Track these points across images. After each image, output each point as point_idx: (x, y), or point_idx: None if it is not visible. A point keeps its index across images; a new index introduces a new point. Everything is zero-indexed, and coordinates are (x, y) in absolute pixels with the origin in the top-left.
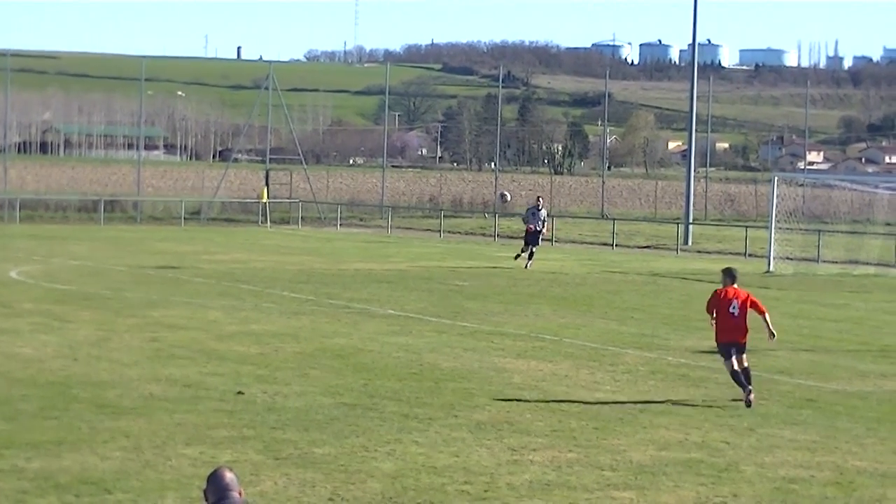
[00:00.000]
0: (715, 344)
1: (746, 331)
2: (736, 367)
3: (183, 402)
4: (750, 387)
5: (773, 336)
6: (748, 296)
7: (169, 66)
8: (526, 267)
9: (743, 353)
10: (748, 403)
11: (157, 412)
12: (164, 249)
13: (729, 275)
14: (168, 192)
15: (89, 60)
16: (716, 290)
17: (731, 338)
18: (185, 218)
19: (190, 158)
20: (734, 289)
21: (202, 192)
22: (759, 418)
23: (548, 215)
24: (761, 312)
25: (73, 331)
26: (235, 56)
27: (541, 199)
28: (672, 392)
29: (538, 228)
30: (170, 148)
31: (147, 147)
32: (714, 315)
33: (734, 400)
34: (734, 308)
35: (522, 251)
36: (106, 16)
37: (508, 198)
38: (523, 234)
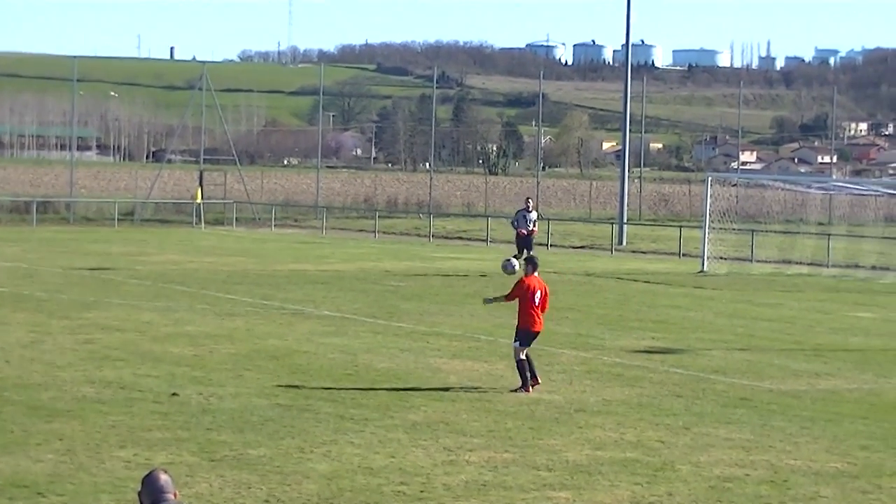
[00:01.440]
0: (522, 332)
1: (542, 320)
2: (523, 356)
3: (117, 404)
4: (535, 377)
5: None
6: (546, 289)
7: (101, 66)
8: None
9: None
10: (525, 389)
11: (91, 414)
12: (97, 251)
13: (531, 263)
14: (101, 193)
15: (20, 60)
16: (521, 279)
17: (534, 327)
18: (118, 219)
19: (123, 159)
20: (537, 278)
21: (136, 193)
22: (694, 417)
23: (539, 217)
24: (544, 310)
25: (5, 333)
26: (168, 56)
27: (530, 200)
28: (607, 392)
29: (529, 231)
30: (103, 149)
31: (80, 148)
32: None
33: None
34: (538, 298)
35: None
36: (37, 15)
37: (515, 268)
38: (514, 240)
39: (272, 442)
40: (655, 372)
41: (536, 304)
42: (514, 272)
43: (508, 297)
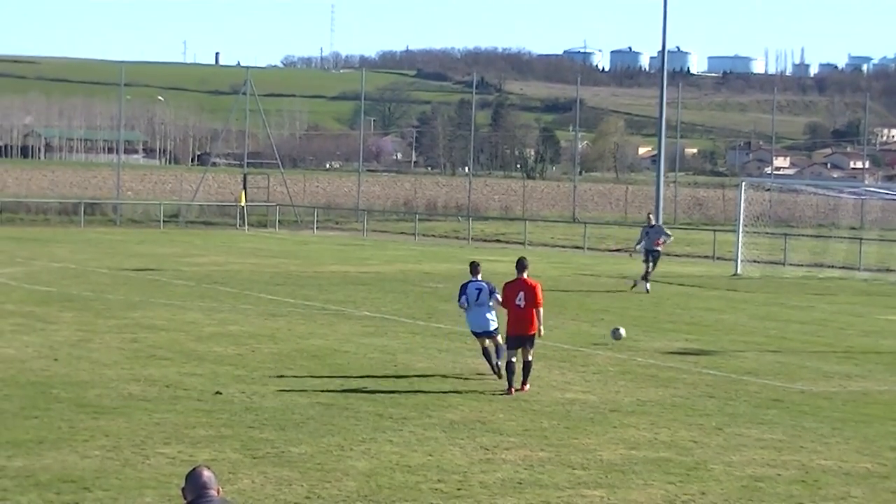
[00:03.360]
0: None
1: (533, 322)
2: (515, 359)
3: (162, 402)
4: (520, 381)
5: (540, 334)
6: (536, 286)
7: (148, 71)
8: (632, 286)
9: (530, 346)
10: (508, 392)
11: (137, 412)
12: (143, 252)
13: (519, 265)
14: (147, 196)
15: (69, 65)
16: (505, 283)
17: (520, 330)
18: (163, 221)
19: (169, 162)
20: (523, 279)
21: (181, 196)
22: (727, 418)
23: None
24: (537, 306)
25: (54, 332)
26: (214, 61)
27: (651, 215)
28: (641, 392)
29: (660, 241)
30: (149, 152)
31: (126, 151)
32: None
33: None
34: (520, 300)
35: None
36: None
37: (622, 335)
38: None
39: (313, 440)
40: (689, 373)
41: (521, 305)
42: (620, 338)
43: (502, 305)
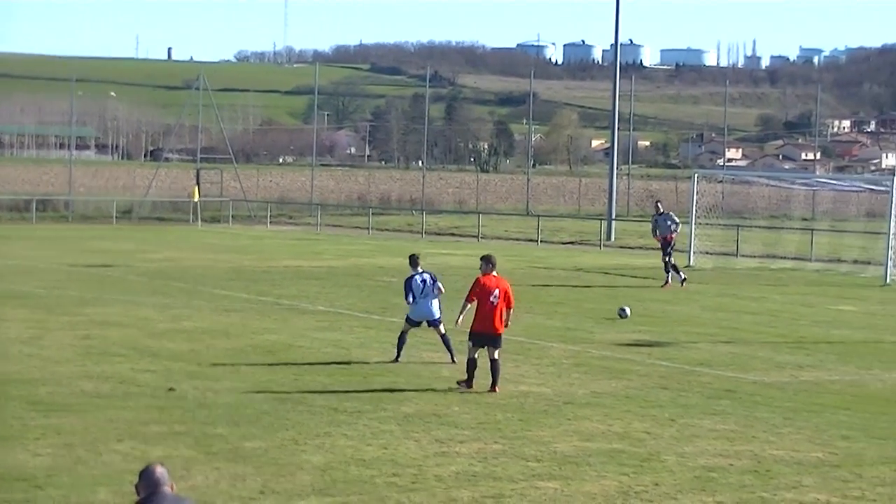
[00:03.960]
0: (466, 334)
1: (501, 321)
2: (476, 355)
3: (115, 399)
4: (496, 384)
5: (505, 327)
6: (508, 287)
7: (100, 67)
8: (682, 284)
9: (498, 346)
10: (468, 386)
11: (89, 409)
12: (96, 248)
13: (488, 262)
14: (100, 192)
15: (20, 61)
16: (477, 278)
17: (488, 328)
18: (116, 217)
19: (121, 158)
20: (495, 277)
21: (134, 192)
22: (680, 409)
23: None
24: (509, 307)
25: (5, 329)
26: (166, 56)
27: (659, 203)
28: (595, 384)
29: (670, 234)
30: (101, 148)
31: (78, 147)
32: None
33: (460, 390)
34: (495, 298)
35: (667, 270)
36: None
37: (628, 313)
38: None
39: (267, 434)
40: (642, 364)
41: (494, 303)
42: (626, 316)
43: (468, 299)
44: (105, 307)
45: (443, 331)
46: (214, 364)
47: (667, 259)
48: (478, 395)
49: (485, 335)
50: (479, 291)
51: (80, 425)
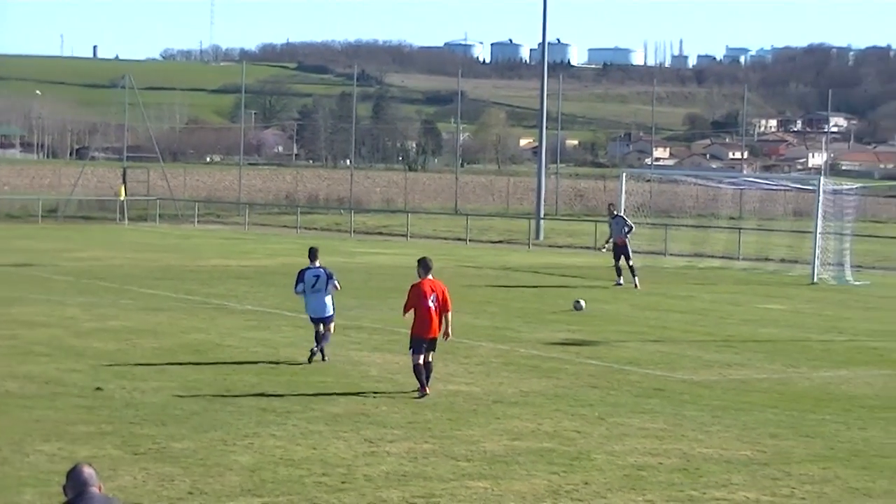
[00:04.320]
0: (407, 338)
1: (440, 325)
2: (421, 361)
3: (41, 399)
4: (427, 384)
5: (448, 337)
6: (444, 289)
7: (24, 65)
8: (615, 284)
9: (433, 349)
10: (422, 396)
11: (15, 409)
12: (21, 247)
13: (423, 266)
14: (25, 191)
15: None
16: (413, 284)
17: (428, 332)
18: (42, 216)
19: (47, 157)
20: (431, 280)
21: (59, 191)
22: (609, 407)
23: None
24: (447, 310)
25: None
26: (91, 55)
27: (612, 205)
28: (524, 383)
29: (624, 238)
30: (26, 146)
31: (3, 145)
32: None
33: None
34: (433, 301)
35: (618, 273)
36: None
37: (582, 305)
38: (611, 251)
39: (195, 435)
40: (571, 363)
41: (431, 307)
42: (581, 309)
43: (405, 309)
44: (30, 307)
45: (331, 330)
46: (142, 363)
47: (629, 263)
48: (406, 395)
49: (423, 340)
50: (413, 299)
51: (5, 425)
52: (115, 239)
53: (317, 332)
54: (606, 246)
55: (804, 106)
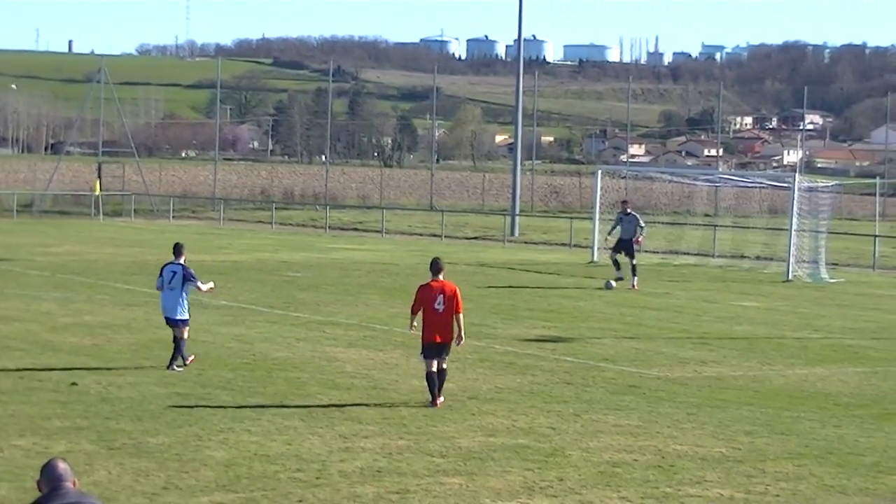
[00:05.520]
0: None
1: (452, 329)
2: (434, 368)
3: (16, 394)
4: (440, 393)
5: (461, 341)
6: (455, 291)
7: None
8: (605, 287)
9: (446, 353)
10: (432, 406)
11: None
12: None
13: (434, 266)
14: (0, 185)
15: None
16: (420, 286)
17: (436, 336)
18: (17, 210)
19: (22, 151)
20: (441, 282)
21: (34, 185)
22: (584, 404)
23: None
24: (457, 311)
25: None
26: (67, 49)
27: (625, 203)
28: (499, 379)
29: (640, 238)
30: (1, 141)
31: None
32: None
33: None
34: (439, 304)
35: (616, 266)
36: None
37: (613, 285)
38: (611, 248)
39: (170, 430)
40: (546, 360)
41: (439, 310)
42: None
43: (413, 310)
44: (5, 302)
45: (184, 336)
46: (117, 359)
47: (633, 262)
48: (381, 390)
49: (437, 345)
50: (420, 300)
51: None
52: (91, 234)
53: (175, 339)
54: (609, 238)
55: (779, 103)
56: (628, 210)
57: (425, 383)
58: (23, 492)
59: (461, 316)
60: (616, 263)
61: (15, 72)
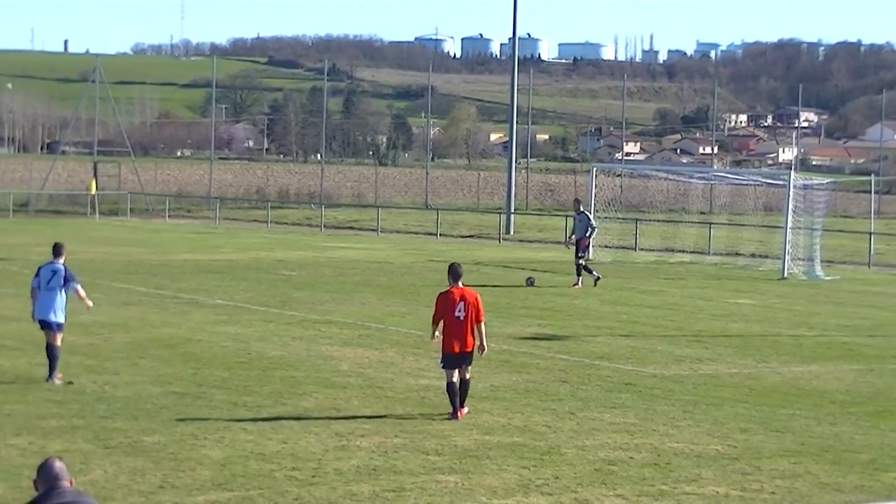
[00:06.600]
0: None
1: (472, 338)
2: (455, 379)
3: (12, 393)
4: (464, 404)
5: (483, 351)
6: (477, 298)
7: None
8: (595, 284)
9: (467, 364)
10: (452, 418)
11: None
12: None
13: (452, 273)
14: None
15: None
16: (440, 293)
17: (456, 346)
18: (13, 210)
19: (17, 151)
20: (461, 288)
21: (30, 185)
22: (580, 402)
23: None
24: (478, 321)
25: None
26: (62, 49)
27: (578, 201)
28: (495, 377)
29: (587, 240)
30: None
31: None
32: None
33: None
34: (460, 312)
35: (578, 273)
36: None
37: (535, 281)
38: (574, 250)
39: (166, 429)
40: (542, 358)
41: (460, 318)
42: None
43: (434, 320)
44: (1, 301)
45: (57, 342)
46: (113, 358)
47: (578, 261)
48: (377, 388)
49: (458, 355)
50: (440, 309)
51: None
52: (86, 233)
53: (48, 345)
54: (570, 240)
55: (774, 101)
56: (580, 209)
57: (420, 381)
58: (19, 491)
59: (482, 325)
60: (585, 268)
61: (10, 71)
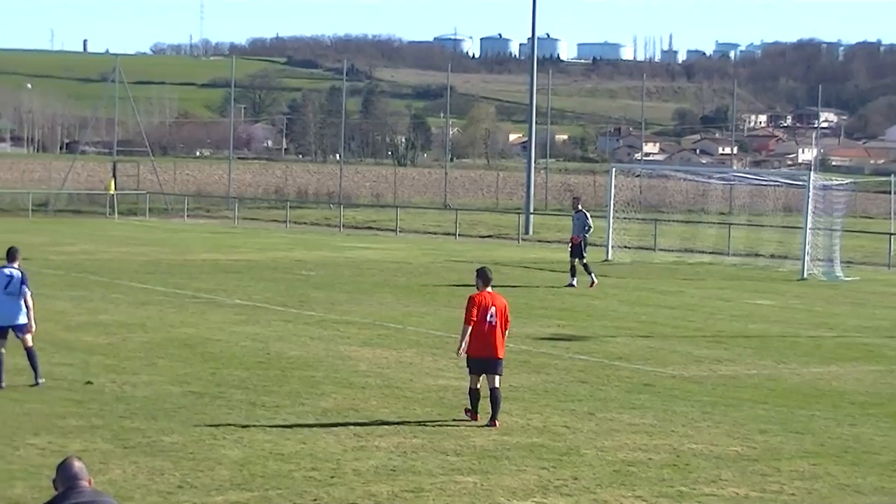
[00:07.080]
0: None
1: (502, 344)
2: (477, 385)
3: (32, 393)
4: (495, 419)
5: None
6: (506, 306)
7: (15, 59)
8: (568, 286)
9: (499, 372)
10: (472, 417)
11: (6, 402)
12: (11, 241)
13: (482, 277)
14: (15, 185)
15: None
16: (471, 296)
17: (487, 352)
18: (32, 210)
19: (37, 151)
20: (491, 293)
21: (49, 184)
22: (599, 403)
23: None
24: (507, 325)
25: None
26: (82, 49)
27: (576, 199)
28: (514, 378)
29: (577, 238)
30: (16, 140)
31: None
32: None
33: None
34: (492, 317)
35: (588, 272)
36: None
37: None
38: (569, 250)
39: (185, 429)
40: (561, 359)
41: (492, 323)
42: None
43: (466, 322)
44: None
45: (29, 343)
46: (132, 357)
47: (581, 261)
48: (396, 389)
49: (483, 360)
50: (472, 311)
51: None
52: (105, 233)
53: (26, 351)
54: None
55: (794, 101)
56: (579, 207)
57: (439, 382)
58: (38, 490)
59: (507, 331)
60: (573, 270)
61: (30, 71)
